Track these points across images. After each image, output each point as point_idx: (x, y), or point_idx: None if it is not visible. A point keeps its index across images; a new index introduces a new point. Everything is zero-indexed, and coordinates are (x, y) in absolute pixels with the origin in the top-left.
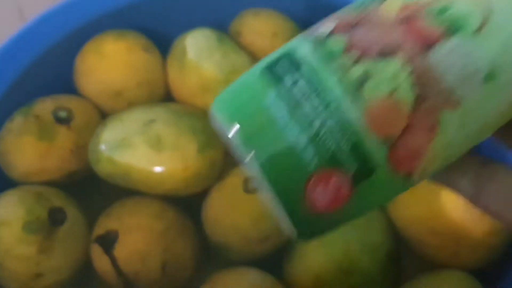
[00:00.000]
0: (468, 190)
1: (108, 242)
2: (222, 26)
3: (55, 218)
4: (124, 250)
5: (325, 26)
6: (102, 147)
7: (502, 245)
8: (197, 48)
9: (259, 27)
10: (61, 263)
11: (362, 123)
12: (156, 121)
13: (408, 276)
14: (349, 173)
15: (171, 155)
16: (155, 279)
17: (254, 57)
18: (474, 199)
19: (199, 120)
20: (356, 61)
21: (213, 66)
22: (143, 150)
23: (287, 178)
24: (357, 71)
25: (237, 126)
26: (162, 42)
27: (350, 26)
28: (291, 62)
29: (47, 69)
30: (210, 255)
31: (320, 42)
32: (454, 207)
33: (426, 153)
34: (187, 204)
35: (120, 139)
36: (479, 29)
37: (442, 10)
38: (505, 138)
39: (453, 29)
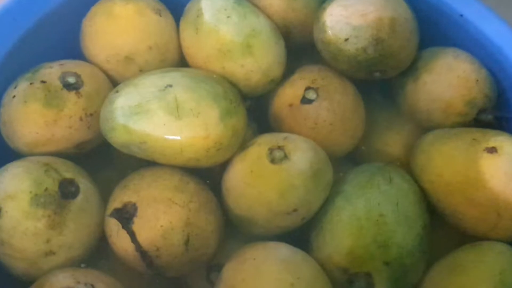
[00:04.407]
0: None
1: (125, 216)
2: None
3: (67, 190)
4: (143, 224)
5: None
6: (116, 114)
7: None
8: (213, 9)
9: None
10: (73, 240)
11: None
12: (173, 86)
13: (443, 250)
14: None
15: (191, 123)
16: (177, 256)
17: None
18: None
19: (219, 86)
20: None
21: (231, 28)
22: (160, 117)
23: None
24: None
25: None
26: (175, 4)
27: None
28: None
29: (50, 33)
30: (231, 230)
31: None
32: (494, 174)
33: None
34: (206, 175)
35: (135, 105)
36: None
37: None
38: None
39: None
